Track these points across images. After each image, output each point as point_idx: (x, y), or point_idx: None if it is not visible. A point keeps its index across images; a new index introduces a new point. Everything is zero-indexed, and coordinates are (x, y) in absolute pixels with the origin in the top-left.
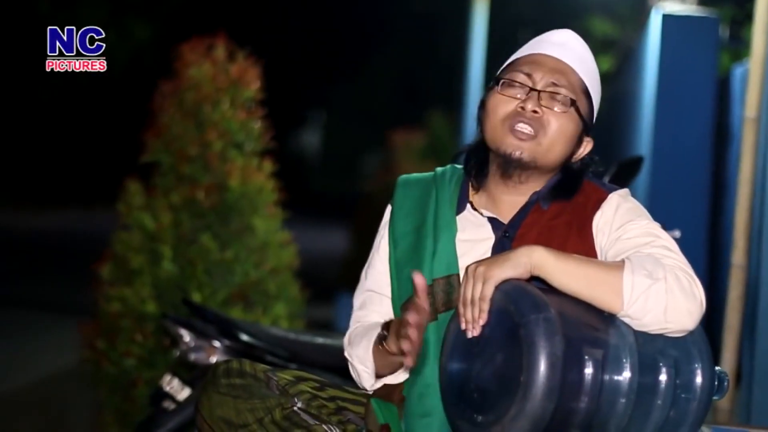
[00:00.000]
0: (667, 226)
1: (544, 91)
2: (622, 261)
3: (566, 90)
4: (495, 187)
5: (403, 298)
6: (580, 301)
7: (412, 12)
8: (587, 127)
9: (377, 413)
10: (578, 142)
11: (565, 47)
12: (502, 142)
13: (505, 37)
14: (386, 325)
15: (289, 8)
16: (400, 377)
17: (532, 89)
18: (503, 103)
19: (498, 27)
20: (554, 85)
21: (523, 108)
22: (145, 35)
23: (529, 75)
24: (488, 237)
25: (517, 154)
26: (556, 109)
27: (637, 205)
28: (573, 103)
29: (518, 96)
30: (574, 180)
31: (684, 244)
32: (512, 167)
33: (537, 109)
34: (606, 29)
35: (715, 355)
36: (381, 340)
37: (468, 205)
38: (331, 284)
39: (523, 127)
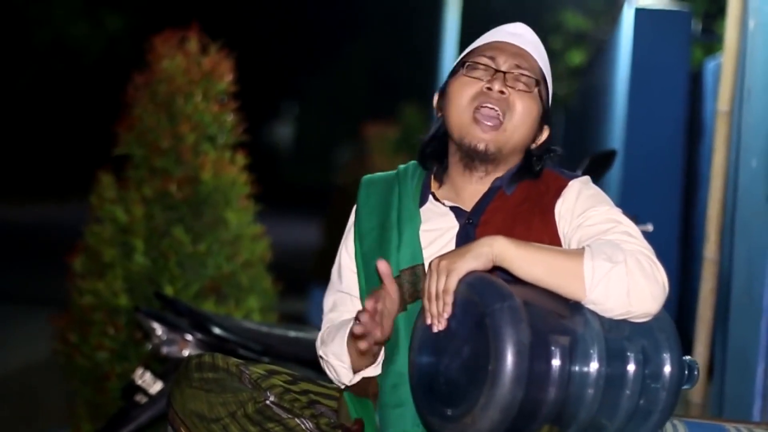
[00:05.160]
0: (639, 220)
1: (510, 72)
2: (583, 248)
3: (529, 72)
4: (456, 177)
5: (371, 291)
6: (544, 291)
7: (385, 4)
8: (546, 114)
9: (350, 408)
10: (539, 128)
11: (522, 36)
12: (467, 134)
13: (478, 30)
14: (357, 317)
15: (262, 0)
16: (377, 369)
17: (497, 71)
18: (468, 86)
19: (471, 20)
20: (518, 67)
21: (489, 89)
22: (117, 27)
23: (492, 58)
24: (452, 226)
25: (482, 146)
26: (520, 88)
27: (599, 192)
28: (537, 83)
29: (482, 78)
30: (537, 161)
31: (656, 238)
32: (476, 159)
33: (503, 89)
34: (579, 23)
35: (687, 348)
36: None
37: (430, 196)
38: (304, 277)
39: (489, 112)
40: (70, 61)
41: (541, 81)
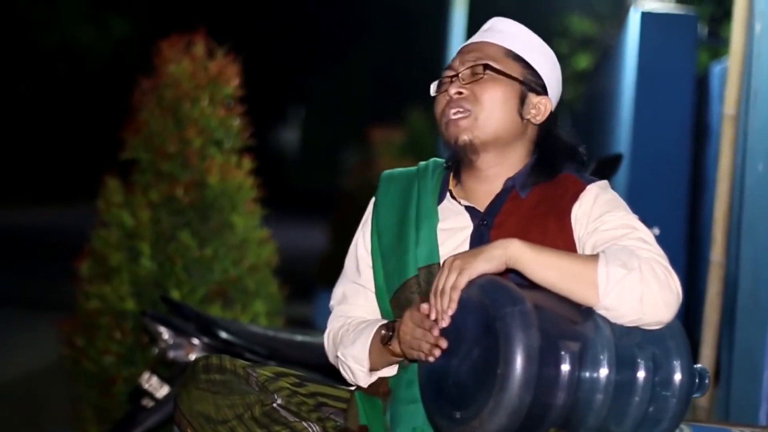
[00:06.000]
0: (646, 224)
1: (463, 71)
2: (597, 254)
3: (480, 59)
4: (467, 178)
5: (390, 289)
6: (556, 295)
7: (391, 8)
8: (530, 86)
9: (360, 410)
10: (521, 102)
11: (487, 30)
12: (445, 137)
13: None
14: (387, 326)
15: (269, 4)
16: (393, 370)
17: (452, 77)
18: (438, 103)
19: (478, 24)
20: (469, 62)
21: (450, 96)
22: (124, 31)
23: (450, 67)
24: (467, 225)
25: (453, 139)
26: (473, 79)
27: (615, 197)
28: (486, 66)
29: (446, 89)
30: (551, 160)
31: (663, 241)
32: (464, 153)
33: (460, 90)
34: (585, 27)
35: (693, 351)
36: (385, 340)
37: (448, 194)
38: (310, 281)
39: (456, 112)
40: (77, 65)
41: (500, 60)
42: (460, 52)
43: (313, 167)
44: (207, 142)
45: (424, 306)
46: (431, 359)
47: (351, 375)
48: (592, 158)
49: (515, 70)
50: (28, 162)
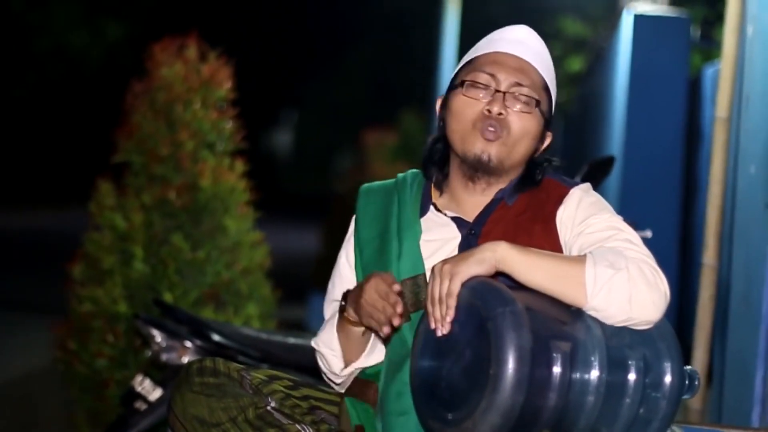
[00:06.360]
0: (638, 226)
1: (509, 93)
2: (585, 255)
3: (529, 90)
4: (457, 188)
5: None
6: (546, 297)
7: (384, 11)
8: (548, 123)
9: (351, 413)
10: (540, 139)
11: (523, 44)
12: (472, 145)
13: (477, 37)
14: (344, 297)
15: (262, 8)
16: (369, 360)
17: (497, 91)
18: (469, 106)
19: (470, 26)
20: (518, 85)
21: (489, 111)
22: (117, 35)
23: (492, 75)
24: (454, 236)
25: (485, 156)
26: (519, 109)
27: (599, 199)
28: (537, 103)
29: (482, 97)
30: (536, 171)
31: (655, 244)
32: (479, 171)
33: (502, 111)
34: (578, 29)
35: (686, 354)
36: (341, 311)
37: (431, 207)
38: (303, 284)
39: (491, 131)
40: (70, 69)
41: (542, 95)
42: (502, 63)
43: (306, 170)
44: (199, 145)
45: (396, 286)
46: (384, 332)
47: (326, 363)
48: (585, 161)
49: (546, 107)
50: (21, 165)
